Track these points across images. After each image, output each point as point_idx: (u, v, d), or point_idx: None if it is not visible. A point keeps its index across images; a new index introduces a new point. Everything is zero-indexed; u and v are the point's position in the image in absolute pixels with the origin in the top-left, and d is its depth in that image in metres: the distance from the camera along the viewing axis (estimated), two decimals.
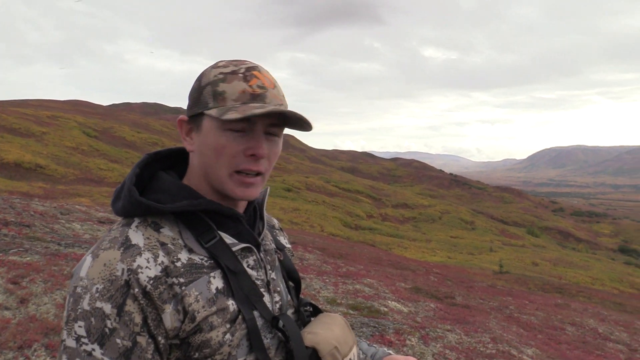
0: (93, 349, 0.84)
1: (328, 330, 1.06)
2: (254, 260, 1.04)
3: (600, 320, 11.51)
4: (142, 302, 0.87)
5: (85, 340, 0.84)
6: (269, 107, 0.93)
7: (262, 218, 1.13)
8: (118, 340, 0.85)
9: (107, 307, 0.85)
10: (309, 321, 1.13)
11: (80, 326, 0.85)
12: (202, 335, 0.91)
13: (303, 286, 8.01)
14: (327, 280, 8.99)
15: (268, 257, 1.09)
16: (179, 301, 0.90)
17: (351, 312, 7.09)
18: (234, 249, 0.99)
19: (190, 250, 0.95)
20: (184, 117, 1.01)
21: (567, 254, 45.91)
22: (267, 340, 1.00)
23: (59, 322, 4.25)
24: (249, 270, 1.01)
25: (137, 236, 0.93)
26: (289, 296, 1.12)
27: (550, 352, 7.11)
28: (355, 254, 15.76)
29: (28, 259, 5.84)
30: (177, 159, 1.09)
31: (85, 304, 0.85)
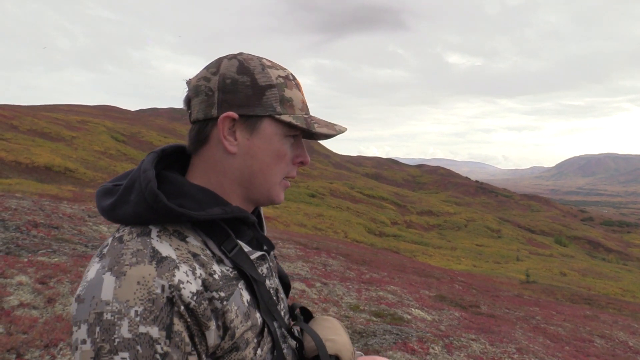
0: None
1: (340, 336, 1.05)
2: (267, 268, 1.01)
3: (631, 333, 11.19)
4: (188, 320, 0.79)
5: None
6: (342, 127, 0.98)
7: (262, 221, 1.10)
8: None
9: (154, 331, 0.75)
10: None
11: (124, 358, 0.73)
12: (238, 354, 0.86)
13: (326, 291, 7.99)
14: (350, 287, 8.95)
15: (271, 264, 1.06)
16: (220, 317, 0.83)
17: (374, 318, 7.03)
18: (251, 257, 0.95)
19: (220, 261, 0.89)
20: (233, 114, 0.90)
21: (597, 265, 44.83)
22: (285, 350, 0.97)
23: None
24: (265, 280, 0.99)
25: (164, 247, 0.83)
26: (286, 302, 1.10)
27: None
28: (379, 261, 15.67)
29: (56, 259, 5.95)
30: (172, 157, 1.00)
31: (124, 332, 0.74)
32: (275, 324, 0.95)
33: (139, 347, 0.74)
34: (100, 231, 9.03)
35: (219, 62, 0.94)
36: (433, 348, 5.85)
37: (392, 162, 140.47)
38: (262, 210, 1.12)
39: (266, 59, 0.95)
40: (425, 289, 11.16)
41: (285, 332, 0.99)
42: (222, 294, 0.84)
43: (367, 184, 74.55)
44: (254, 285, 0.92)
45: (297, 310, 1.11)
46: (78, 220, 9.38)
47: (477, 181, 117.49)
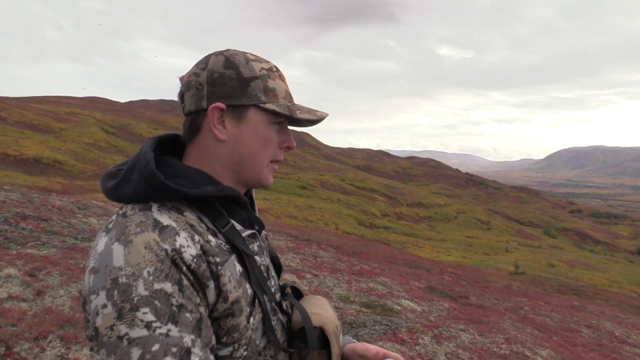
0: (169, 330, 0.82)
1: (326, 311, 1.13)
2: (258, 246, 1.08)
3: (617, 323, 11.35)
4: (191, 278, 0.87)
5: (158, 324, 0.82)
6: (323, 113, 1.06)
7: (253, 204, 1.18)
8: (188, 315, 0.85)
9: (168, 286, 0.84)
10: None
11: (145, 312, 0.82)
12: (234, 320, 0.94)
13: (316, 283, 8.00)
14: (340, 278, 8.98)
15: (262, 243, 1.13)
16: (216, 279, 0.92)
17: (364, 310, 7.07)
18: (243, 235, 1.02)
19: (214, 234, 0.97)
20: (221, 104, 0.99)
21: (585, 256, 45.31)
22: (274, 322, 1.04)
23: (75, 314, 4.30)
24: (255, 256, 1.05)
25: (165, 218, 0.91)
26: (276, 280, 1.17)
27: (566, 354, 7.03)
28: (369, 253, 15.73)
29: (45, 252, 5.92)
30: (168, 145, 1.09)
31: (141, 290, 0.82)
32: (265, 297, 1.03)
33: (157, 302, 0.82)
34: (90, 223, 8.99)
35: (207, 58, 1.02)
36: (422, 338, 5.91)
37: (382, 154, 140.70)
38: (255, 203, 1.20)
39: (250, 54, 1.04)
40: (415, 280, 11.23)
41: (275, 306, 1.07)
42: (218, 260, 0.93)
43: (358, 176, 74.64)
44: (245, 259, 1.00)
45: (288, 289, 1.18)
46: (67, 213, 9.33)
47: (467, 173, 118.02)
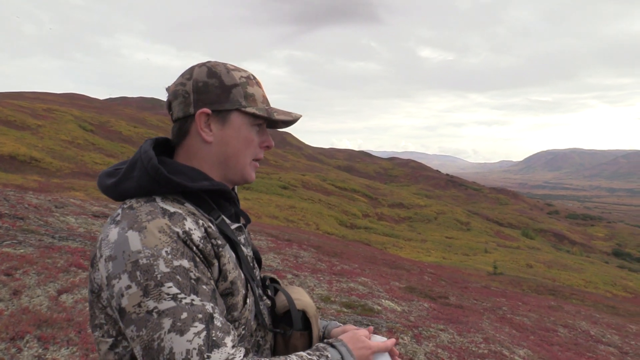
0: (192, 300, 0.93)
1: (305, 297, 1.25)
2: (244, 238, 1.20)
3: (592, 322, 11.55)
4: (200, 256, 0.99)
5: (183, 295, 0.92)
6: (297, 114, 1.18)
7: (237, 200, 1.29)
8: (204, 287, 0.97)
9: (185, 262, 0.95)
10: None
11: (170, 286, 0.92)
12: (233, 299, 1.05)
13: (297, 283, 7.99)
14: (321, 278, 8.99)
15: (247, 236, 1.24)
16: (218, 259, 1.03)
17: (345, 310, 7.09)
18: (231, 227, 1.13)
19: (212, 222, 1.08)
20: (207, 110, 1.09)
21: (561, 257, 45.98)
22: (261, 307, 1.15)
23: (52, 314, 4.24)
24: (242, 247, 1.16)
25: (170, 207, 1.02)
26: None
27: (542, 354, 7.13)
28: (350, 253, 15.77)
29: (22, 251, 5.83)
30: (161, 147, 1.18)
31: (162, 268, 0.93)
32: (253, 283, 1.13)
33: (178, 277, 0.93)
34: (68, 222, 8.86)
35: (191, 69, 1.13)
36: (402, 338, 5.94)
37: (364, 155, 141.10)
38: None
39: (230, 64, 1.15)
40: (395, 281, 11.29)
41: (261, 293, 1.20)
42: (219, 242, 1.04)
43: (339, 177, 74.75)
44: (236, 247, 1.11)
45: (268, 281, 1.30)
46: (44, 211, 9.18)
47: (447, 174, 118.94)
